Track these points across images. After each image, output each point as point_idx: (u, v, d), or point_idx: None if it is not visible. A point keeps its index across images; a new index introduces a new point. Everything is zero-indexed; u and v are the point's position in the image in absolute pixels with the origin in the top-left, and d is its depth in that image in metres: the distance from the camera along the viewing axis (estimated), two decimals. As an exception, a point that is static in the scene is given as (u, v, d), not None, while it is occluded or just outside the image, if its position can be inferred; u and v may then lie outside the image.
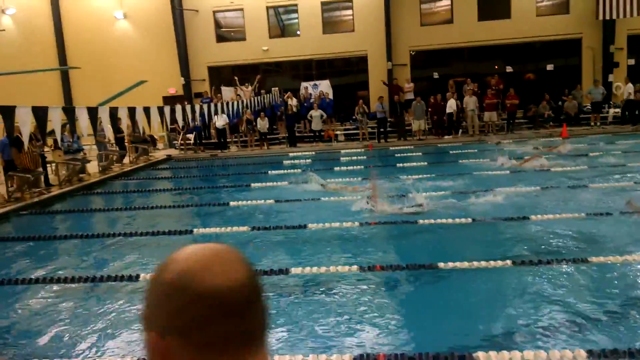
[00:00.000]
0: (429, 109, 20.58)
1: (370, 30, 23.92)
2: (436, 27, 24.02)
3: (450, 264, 6.12)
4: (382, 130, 20.42)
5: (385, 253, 7.20)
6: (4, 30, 18.81)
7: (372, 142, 19.98)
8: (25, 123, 7.95)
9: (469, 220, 8.11)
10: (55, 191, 12.87)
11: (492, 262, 6.13)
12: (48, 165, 14.24)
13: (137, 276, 6.38)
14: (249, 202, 10.63)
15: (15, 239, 9.11)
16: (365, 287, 5.85)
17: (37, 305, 6.01)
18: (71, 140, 14.15)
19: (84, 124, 9.25)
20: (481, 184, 10.97)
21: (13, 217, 10.69)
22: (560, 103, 21.36)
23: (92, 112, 9.40)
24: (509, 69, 23.49)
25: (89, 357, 4.54)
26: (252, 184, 12.64)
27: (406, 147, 18.59)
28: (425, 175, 12.39)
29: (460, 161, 14.62)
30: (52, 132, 11.56)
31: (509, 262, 6.16)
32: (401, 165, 14.73)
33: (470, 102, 19.90)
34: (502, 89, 21.09)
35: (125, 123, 12.07)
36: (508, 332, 4.64)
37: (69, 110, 9.09)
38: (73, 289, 6.38)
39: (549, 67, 23.36)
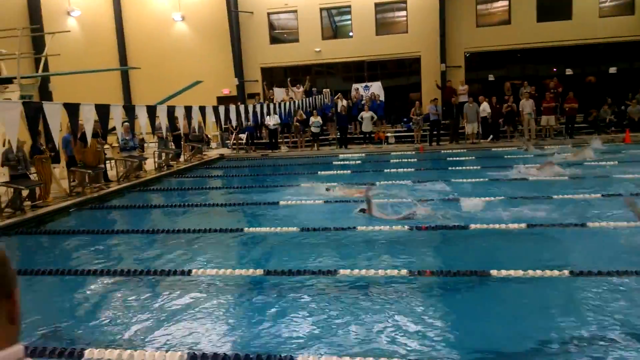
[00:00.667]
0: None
1: (424, 31, 23.63)
2: (493, 28, 23.46)
3: (504, 272, 5.96)
4: (434, 132, 20.11)
5: (435, 258, 7.10)
6: (69, 31, 19.69)
7: (424, 144, 19.71)
8: (89, 120, 8.33)
9: (523, 225, 7.86)
10: (113, 187, 13.38)
11: (547, 272, 5.92)
12: (107, 162, 14.81)
13: (190, 271, 6.55)
14: (299, 201, 10.71)
15: (74, 232, 9.53)
16: (414, 291, 5.78)
17: (92, 295, 6.27)
18: (128, 138, 14.67)
19: (143, 122, 9.59)
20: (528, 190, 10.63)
21: (74, 210, 11.18)
22: (623, 107, 20.40)
23: (151, 111, 9.73)
24: (568, 71, 22.63)
25: (139, 347, 4.68)
26: (302, 184, 12.73)
27: (458, 151, 18.23)
28: (475, 180, 12.15)
29: (515, 165, 14.19)
30: (113, 129, 12.03)
31: (565, 271, 5.93)
32: (452, 168, 14.46)
33: (527, 105, 19.30)
34: (560, 92, 20.34)
35: (182, 122, 12.40)
36: (559, 345, 4.48)
37: (129, 109, 9.44)
38: (127, 281, 6.61)
39: (612, 70, 22.35)
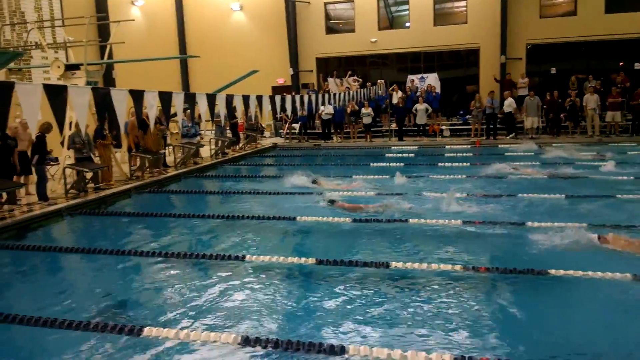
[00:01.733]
0: (544, 106, 19.41)
1: (484, 22, 22.99)
2: (557, 19, 22.53)
3: (562, 272, 5.76)
4: (491, 126, 19.59)
5: (489, 254, 6.93)
6: (133, 20, 20.35)
7: (480, 138, 19.24)
8: (152, 106, 8.60)
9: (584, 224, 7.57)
10: (171, 172, 13.79)
11: (608, 274, 5.68)
12: (166, 148, 15.28)
13: (243, 257, 6.68)
14: (351, 193, 10.71)
15: (134, 214, 9.89)
16: (468, 287, 5.68)
17: (149, 276, 6.50)
18: (189, 125, 15.08)
19: (203, 110, 9.81)
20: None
21: (134, 193, 11.60)
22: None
23: (210, 99, 9.93)
24: (637, 65, 21.50)
25: (194, 327, 4.80)
26: (354, 175, 12.71)
27: (516, 146, 17.67)
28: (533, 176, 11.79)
29: (577, 163, 13.67)
30: (174, 115, 12.36)
31: (628, 275, 5.67)
32: (510, 163, 14.03)
33: (592, 100, 18.48)
34: (628, 87, 19.37)
35: (239, 110, 12.61)
36: (618, 350, 4.30)
37: (190, 96, 9.66)
38: (182, 263, 6.81)
39: (685, 64, 21.09)
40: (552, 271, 5.79)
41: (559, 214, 8.35)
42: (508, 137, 19.19)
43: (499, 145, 18.06)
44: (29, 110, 6.34)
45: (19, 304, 5.74)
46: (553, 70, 22.52)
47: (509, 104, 19.27)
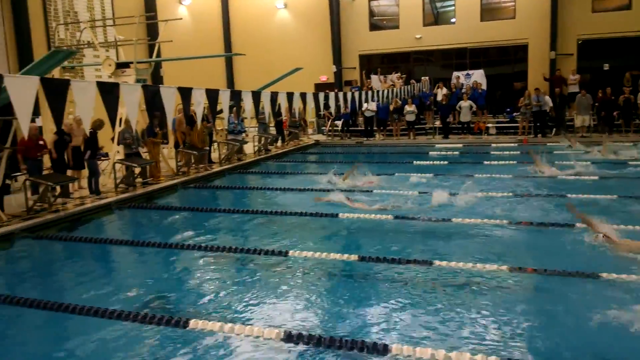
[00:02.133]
0: (596, 104, 18.71)
1: (533, 17, 22.35)
2: (610, 13, 21.65)
3: (614, 275, 5.55)
4: (538, 124, 19.04)
5: (535, 255, 6.73)
6: (181, 18, 20.80)
7: (528, 136, 18.74)
8: (200, 103, 8.79)
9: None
10: (216, 168, 14.04)
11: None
12: (211, 144, 15.55)
13: (286, 252, 6.73)
14: (392, 191, 10.62)
15: (180, 209, 10.11)
16: (514, 288, 5.55)
17: (194, 269, 6.63)
18: (236, 122, 15.32)
19: (248, 107, 9.95)
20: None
21: (180, 188, 11.87)
22: None
23: (255, 96, 10.06)
24: (697, 61, 20.48)
25: (237, 321, 4.86)
26: (396, 173, 12.62)
27: (565, 144, 17.12)
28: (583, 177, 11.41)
29: (630, 162, 13.14)
30: (220, 112, 12.53)
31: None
32: (558, 163, 13.62)
33: (647, 97, 17.73)
34: (687, 83, 18.48)
35: (283, 107, 12.69)
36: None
37: (236, 93, 9.81)
38: (226, 257, 6.92)
39: None
40: (604, 274, 5.58)
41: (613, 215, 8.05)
42: (551, 136, 18.64)
43: (547, 144, 17.52)
44: (83, 106, 6.59)
45: (70, 293, 5.96)
46: (606, 67, 21.68)
47: (546, 102, 18.79)
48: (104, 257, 7.49)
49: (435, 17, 24.72)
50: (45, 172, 10.32)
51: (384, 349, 4.20)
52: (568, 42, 22.13)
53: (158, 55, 15.73)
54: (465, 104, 19.54)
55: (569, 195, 9.44)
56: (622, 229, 7.10)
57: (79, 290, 6.10)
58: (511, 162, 13.94)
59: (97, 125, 10.77)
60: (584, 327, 4.72)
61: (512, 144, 17.88)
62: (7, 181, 9.97)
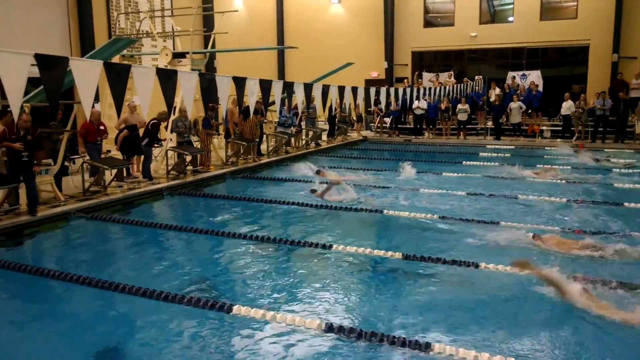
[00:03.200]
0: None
1: (596, 17, 21.49)
2: (681, 15, 20.60)
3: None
4: (599, 129, 18.31)
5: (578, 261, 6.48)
6: (237, 10, 21.11)
7: (584, 142, 18.05)
8: (253, 93, 8.92)
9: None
10: (264, 160, 14.21)
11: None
12: (262, 136, 15.72)
13: (331, 246, 6.76)
14: (440, 190, 10.48)
15: (227, 197, 10.28)
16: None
17: (239, 256, 6.73)
18: (289, 115, 15.46)
19: (300, 99, 10.01)
20: None
21: (228, 178, 12.08)
22: None
23: (307, 88, 10.10)
24: None
25: (278, 312, 4.91)
26: (444, 173, 12.44)
27: (623, 151, 16.43)
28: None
29: None
30: (273, 103, 12.66)
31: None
32: (617, 170, 13.09)
33: None
34: None
35: (334, 101, 12.68)
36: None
37: (288, 85, 9.88)
38: (271, 247, 7.01)
39: None
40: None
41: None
42: (573, 141, 18.01)
43: (605, 150, 16.83)
44: (143, 92, 6.80)
45: (120, 273, 6.17)
46: (673, 72, 20.59)
47: (568, 107, 18.33)
48: (153, 240, 7.72)
49: (492, 15, 24.14)
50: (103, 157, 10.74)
51: (426, 347, 4.16)
52: (632, 45, 21.16)
53: (213, 46, 16.02)
54: (514, 105, 19.02)
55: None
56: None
57: (128, 271, 6.32)
58: (565, 166, 13.46)
59: (163, 117, 11.09)
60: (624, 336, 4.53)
61: (566, 149, 17.28)
62: (66, 163, 10.41)
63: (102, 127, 10.53)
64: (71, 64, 6.07)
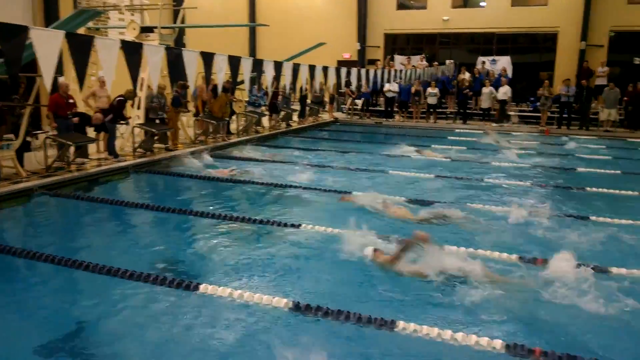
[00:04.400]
0: (624, 98, 18.30)
1: (566, 5, 21.82)
2: (647, 5, 21.06)
3: (624, 270, 5.47)
4: (564, 116, 18.71)
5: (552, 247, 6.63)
6: (206, -13, 20.73)
7: (550, 127, 18.43)
8: (222, 70, 8.76)
9: None
10: (233, 139, 14.05)
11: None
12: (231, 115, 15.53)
13: (299, 225, 6.74)
14: (408, 173, 10.56)
15: (194, 177, 10.10)
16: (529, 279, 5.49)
17: (205, 235, 6.64)
18: (259, 94, 15.28)
19: (269, 78, 9.89)
20: None
21: (197, 156, 11.88)
22: None
23: (277, 67, 9.98)
24: None
25: (246, 291, 4.88)
26: (412, 156, 12.54)
27: (588, 138, 16.84)
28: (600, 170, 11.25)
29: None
30: (242, 82, 12.48)
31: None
32: (579, 156, 13.43)
33: (677, 94, 17.27)
34: None
35: (305, 81, 12.55)
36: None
37: (258, 63, 9.74)
38: (238, 226, 6.94)
39: None
40: (613, 269, 5.48)
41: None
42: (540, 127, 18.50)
43: (569, 135, 17.22)
44: (107, 65, 6.59)
45: (83, 251, 6.03)
46: (637, 61, 21.14)
47: (505, 92, 18.90)
48: (118, 218, 7.57)
49: (465, -1, 24.25)
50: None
51: (391, 324, 4.20)
52: (599, 34, 21.61)
53: (182, 21, 15.66)
54: (486, 90, 19.25)
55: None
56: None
57: (91, 249, 6.18)
58: (528, 151, 13.73)
59: (130, 95, 10.81)
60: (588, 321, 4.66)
61: (533, 133, 17.63)
62: (28, 138, 10.07)
63: (71, 101, 10.15)
64: (31, 34, 5.84)
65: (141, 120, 11.78)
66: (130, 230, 7.15)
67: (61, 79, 9.86)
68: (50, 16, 14.76)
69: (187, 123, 14.08)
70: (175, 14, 16.57)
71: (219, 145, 12.98)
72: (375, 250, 5.64)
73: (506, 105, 19.68)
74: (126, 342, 4.11)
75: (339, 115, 21.88)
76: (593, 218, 7.42)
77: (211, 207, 7.84)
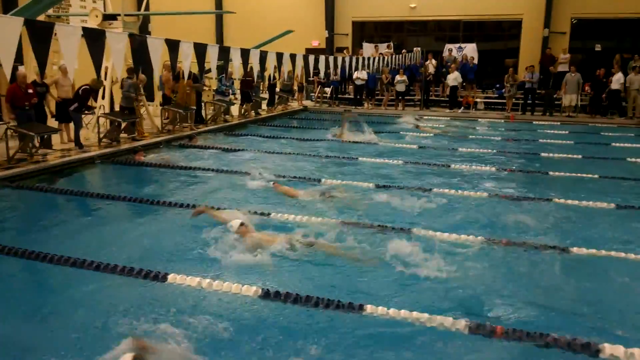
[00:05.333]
0: (586, 84, 18.79)
1: (529, -8, 22.18)
2: (608, -7, 21.57)
3: (585, 250, 5.69)
4: (528, 102, 19.11)
5: (510, 228, 6.81)
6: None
7: (515, 113, 18.80)
8: (187, 57, 8.63)
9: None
10: (201, 128, 13.90)
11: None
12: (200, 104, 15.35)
13: (269, 214, 6.76)
14: (377, 160, 10.67)
15: (162, 166, 9.97)
16: (494, 259, 5.64)
17: (172, 225, 6.61)
18: (228, 84, 15.14)
19: (237, 65, 9.81)
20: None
21: (164, 146, 11.75)
22: None
23: (244, 54, 9.90)
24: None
25: (214, 279, 4.88)
26: (380, 143, 12.67)
27: (551, 123, 17.26)
28: (563, 155, 11.63)
29: (613, 144, 13.35)
30: (209, 71, 12.36)
31: None
32: (543, 141, 13.78)
33: (636, 81, 17.77)
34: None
35: (272, 70, 12.52)
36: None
37: (225, 50, 9.64)
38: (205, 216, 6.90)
39: None
40: (574, 249, 5.69)
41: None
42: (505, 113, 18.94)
43: (533, 122, 17.62)
44: (69, 53, 6.43)
45: (48, 243, 5.91)
46: (598, 47, 21.69)
47: (454, 77, 19.27)
48: (83, 210, 7.45)
49: (431, -14, 24.38)
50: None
51: (359, 308, 4.28)
52: (562, 21, 22.06)
53: (147, 8, 15.32)
54: (452, 76, 19.52)
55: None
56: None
57: (56, 240, 6.08)
58: (494, 137, 14.03)
59: (97, 85, 10.57)
60: (563, 300, 4.83)
61: (499, 120, 17.98)
62: (-14, 129, 9.79)
63: (30, 91, 9.86)
64: (-12, 21, 5.66)
65: (107, 110, 11.57)
66: (95, 222, 7.04)
67: (21, 69, 9.57)
68: (8, 2, 14.30)
69: (154, 112, 13.88)
70: (140, 1, 16.21)
71: (186, 135, 12.82)
72: (242, 224, 5.88)
73: (457, 91, 19.94)
74: (94, 332, 4.08)
75: (308, 103, 21.85)
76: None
77: (176, 196, 7.79)
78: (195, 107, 14.20)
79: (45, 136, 9.78)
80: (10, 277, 5.14)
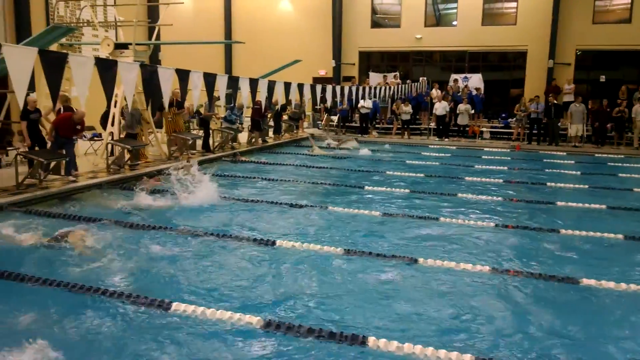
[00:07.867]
0: (590, 115, 18.87)
1: (534, 24, 22.48)
2: (610, 25, 21.86)
3: (594, 282, 5.65)
4: (534, 132, 19.17)
5: (514, 258, 6.78)
6: (182, 2, 20.65)
7: (521, 143, 18.85)
8: (197, 86, 8.77)
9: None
10: (208, 155, 14.03)
11: None
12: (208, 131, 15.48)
13: (274, 242, 6.76)
14: (384, 188, 10.70)
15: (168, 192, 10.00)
16: (497, 289, 5.61)
17: (179, 253, 6.61)
18: (238, 114, 15.36)
19: (245, 94, 9.95)
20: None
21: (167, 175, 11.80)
22: None
23: (253, 84, 10.04)
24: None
25: (218, 309, 4.88)
26: (387, 172, 12.72)
27: (557, 153, 17.29)
28: (572, 185, 11.62)
29: (620, 174, 13.33)
30: (217, 99, 12.49)
31: None
32: (549, 170, 13.80)
33: (641, 111, 17.84)
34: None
35: (280, 99, 12.62)
36: None
37: (233, 80, 9.78)
38: (212, 243, 6.90)
39: None
40: (584, 280, 5.65)
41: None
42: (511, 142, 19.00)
43: (540, 152, 17.66)
44: (81, 82, 6.56)
45: (58, 271, 5.94)
46: (602, 78, 21.87)
47: (443, 107, 19.50)
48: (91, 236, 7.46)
49: (437, 18, 24.78)
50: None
51: (362, 341, 4.25)
52: (567, 52, 22.30)
53: (157, 38, 15.65)
54: (463, 107, 19.68)
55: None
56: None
57: (64, 267, 6.09)
58: (500, 167, 14.05)
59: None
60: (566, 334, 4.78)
61: (505, 149, 18.01)
62: (-1, 155, 9.93)
63: (78, 127, 10.02)
64: (3, 50, 5.80)
65: (116, 137, 11.71)
66: (101, 247, 7.06)
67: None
68: (22, 32, 14.65)
69: (161, 139, 14.03)
70: (151, 30, 16.56)
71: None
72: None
73: (445, 120, 20.05)
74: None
75: (314, 131, 21.99)
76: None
77: (184, 223, 7.81)
78: (200, 135, 14.32)
79: (53, 163, 9.86)
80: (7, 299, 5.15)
